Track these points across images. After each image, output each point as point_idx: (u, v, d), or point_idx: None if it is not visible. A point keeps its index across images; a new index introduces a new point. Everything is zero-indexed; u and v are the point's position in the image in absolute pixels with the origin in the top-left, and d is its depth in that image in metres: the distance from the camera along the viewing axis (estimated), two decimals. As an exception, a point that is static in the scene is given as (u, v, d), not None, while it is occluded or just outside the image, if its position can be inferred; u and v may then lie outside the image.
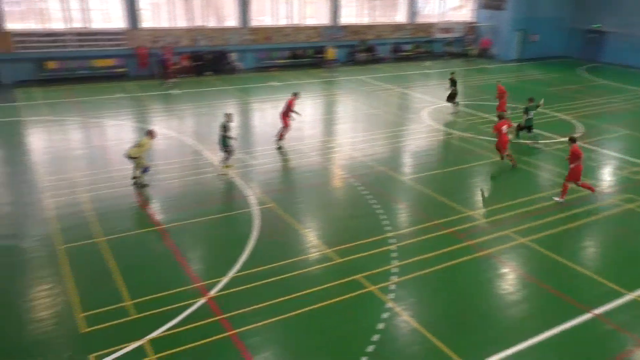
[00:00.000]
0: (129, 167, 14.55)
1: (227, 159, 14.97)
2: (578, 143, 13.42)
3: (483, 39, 39.86)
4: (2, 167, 15.28)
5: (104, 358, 7.60)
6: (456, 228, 12.02)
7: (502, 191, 14.42)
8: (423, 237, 11.59)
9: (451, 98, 22.79)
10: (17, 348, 7.86)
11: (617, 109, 24.74)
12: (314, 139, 18.79)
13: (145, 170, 13.85)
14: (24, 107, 21.88)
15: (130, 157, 13.66)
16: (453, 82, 22.58)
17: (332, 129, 20.53)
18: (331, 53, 31.98)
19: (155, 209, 12.73)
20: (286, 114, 17.34)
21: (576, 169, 13.20)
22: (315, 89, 27.72)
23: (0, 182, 14.19)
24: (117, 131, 19.09)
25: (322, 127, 20.78)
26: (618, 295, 9.66)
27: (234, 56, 31.79)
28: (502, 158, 15.91)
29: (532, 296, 9.64)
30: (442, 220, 12.37)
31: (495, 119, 16.82)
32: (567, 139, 13.93)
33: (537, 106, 18.74)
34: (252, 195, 13.53)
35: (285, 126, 17.37)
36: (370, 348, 8.07)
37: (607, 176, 15.92)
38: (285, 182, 14.73)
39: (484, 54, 39.59)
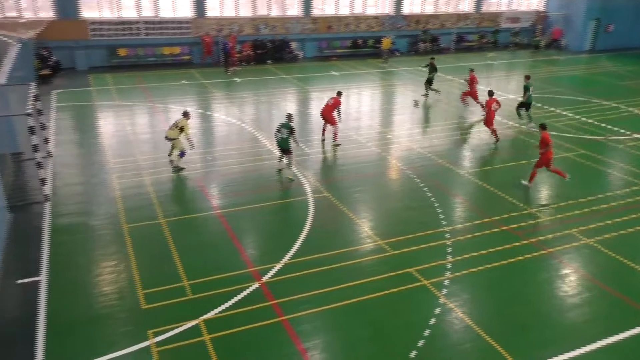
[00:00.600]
0: (190, 152, 15.03)
1: (291, 160, 14.13)
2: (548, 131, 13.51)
3: (553, 29, 38.06)
4: (75, 149, 16.17)
5: (161, 335, 7.93)
6: (516, 225, 11.63)
7: (568, 188, 13.77)
8: (480, 233, 11.30)
9: (428, 83, 22.71)
10: (82, 320, 8.34)
11: (700, 105, 22.99)
12: (371, 130, 18.67)
13: (181, 154, 14.21)
14: (96, 91, 23.03)
15: (168, 139, 14.03)
16: (433, 68, 22.46)
17: (390, 120, 20.30)
18: (386, 43, 31.47)
19: (214, 194, 13.09)
20: (330, 112, 16.44)
21: (545, 155, 13.29)
22: (374, 79, 27.47)
23: (72, 163, 15.02)
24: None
25: (379, 117, 20.58)
26: (691, 304, 9.07)
27: (294, 45, 32.03)
28: (496, 139, 17.04)
29: (595, 299, 9.19)
30: (501, 217, 12.00)
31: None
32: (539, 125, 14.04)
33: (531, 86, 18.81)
34: (308, 184, 13.64)
35: (334, 124, 16.61)
36: (421, 342, 7.98)
37: (685, 177, 14.88)
38: (341, 172, 14.74)
39: (553, 45, 37.83)
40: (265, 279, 9.45)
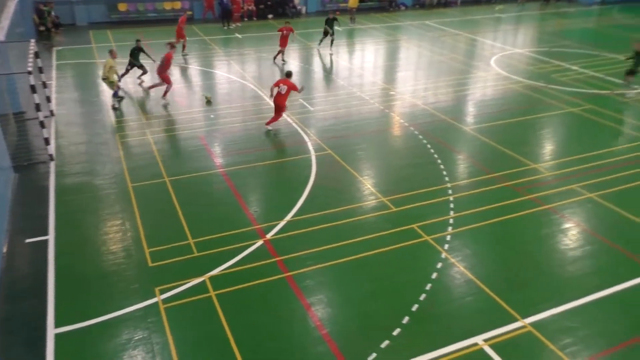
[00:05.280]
0: (195, 109, 14.98)
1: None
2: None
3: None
4: (78, 108, 16.10)
5: (168, 292, 8.12)
6: (518, 181, 11.64)
7: (572, 144, 13.71)
8: (482, 189, 11.33)
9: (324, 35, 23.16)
10: (91, 277, 8.52)
11: None
12: (375, 86, 18.44)
13: (115, 94, 15.69)
14: (97, 48, 22.71)
15: (103, 79, 15.63)
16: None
17: (393, 76, 20.01)
18: (353, 0, 29.38)
19: (217, 152, 13.10)
20: (167, 68, 16.05)
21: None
22: (378, 34, 26.92)
23: (75, 122, 14.99)
24: (182, 74, 19.50)
25: (383, 73, 20.28)
26: (691, 258, 9.17)
27: (297, 0, 31.26)
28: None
29: (596, 253, 9.29)
30: (503, 173, 12.00)
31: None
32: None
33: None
34: (310, 142, 13.61)
35: (170, 82, 15.86)
36: (423, 296, 8.14)
37: (692, 131, 14.75)
38: (344, 129, 14.66)
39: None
40: (269, 236, 9.57)
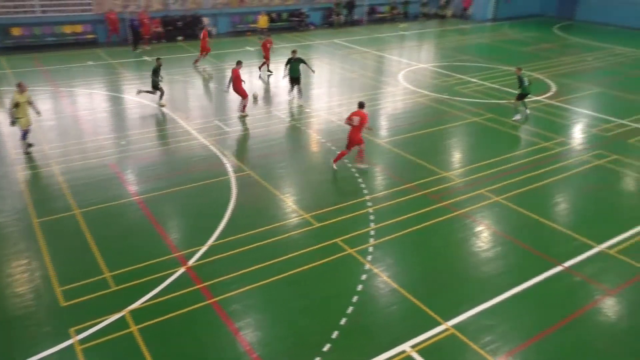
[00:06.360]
0: (102, 137, 14.36)
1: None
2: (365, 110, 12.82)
3: (463, -1, 39.51)
4: (-30, 141, 14.83)
5: (84, 331, 7.62)
6: (431, 189, 12.18)
7: (477, 151, 14.60)
8: (399, 200, 11.73)
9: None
10: (-4, 323, 7.83)
11: (590, 67, 24.97)
12: (290, 104, 18.62)
13: (24, 136, 13.73)
14: (-11, 78, 21.12)
15: (15, 119, 13.49)
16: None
17: (307, 94, 20.31)
18: (263, 21, 30.01)
19: (131, 180, 12.58)
20: (240, 83, 16.84)
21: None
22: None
23: (-32, 157, 13.80)
24: (89, 100, 18.61)
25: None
26: (588, 248, 10.02)
27: (206, 21, 30.99)
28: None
29: (506, 253, 9.90)
30: (417, 182, 12.51)
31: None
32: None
33: None
34: (229, 163, 13.45)
35: (245, 96, 16.85)
36: (350, 309, 8.24)
37: (578, 133, 16.20)
38: (262, 149, 14.63)
39: (460, 15, 39.30)
40: (191, 262, 9.29)
